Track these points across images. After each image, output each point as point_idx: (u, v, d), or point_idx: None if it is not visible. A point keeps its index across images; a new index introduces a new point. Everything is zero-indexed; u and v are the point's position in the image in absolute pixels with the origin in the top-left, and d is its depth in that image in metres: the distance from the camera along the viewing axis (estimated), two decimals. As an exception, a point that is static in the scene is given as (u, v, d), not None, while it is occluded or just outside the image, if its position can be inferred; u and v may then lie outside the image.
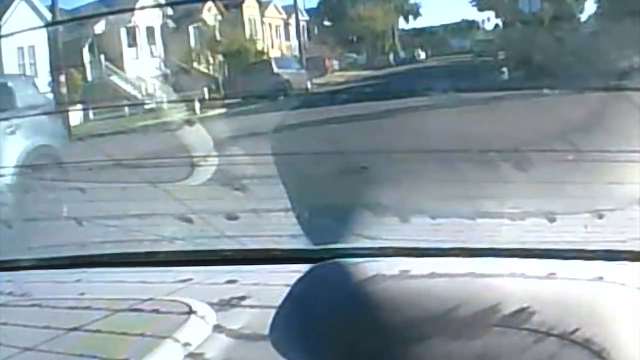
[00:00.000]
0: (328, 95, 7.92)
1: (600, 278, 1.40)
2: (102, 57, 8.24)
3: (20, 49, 7.82)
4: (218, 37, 8.45)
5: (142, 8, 8.22)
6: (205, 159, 3.26)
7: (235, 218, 2.42)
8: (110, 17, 7.99)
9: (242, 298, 1.58)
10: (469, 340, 1.30)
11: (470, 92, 5.40)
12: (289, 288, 1.53)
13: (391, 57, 8.65)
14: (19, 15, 7.46)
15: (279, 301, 1.50)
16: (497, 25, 8.07)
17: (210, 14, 8.44)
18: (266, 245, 2.01)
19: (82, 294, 1.72)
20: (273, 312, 1.48)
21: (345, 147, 4.24)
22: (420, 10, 8.56)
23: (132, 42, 8.36)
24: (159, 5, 8.32)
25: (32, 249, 2.18)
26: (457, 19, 8.28)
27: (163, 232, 2.39)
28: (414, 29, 8.85)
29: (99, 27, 8.15)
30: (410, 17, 8.68)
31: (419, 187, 2.83)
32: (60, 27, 7.46)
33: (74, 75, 7.93)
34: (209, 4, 8.20)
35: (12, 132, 5.50)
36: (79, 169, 3.39)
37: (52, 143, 5.74)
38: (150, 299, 1.60)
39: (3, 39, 7.56)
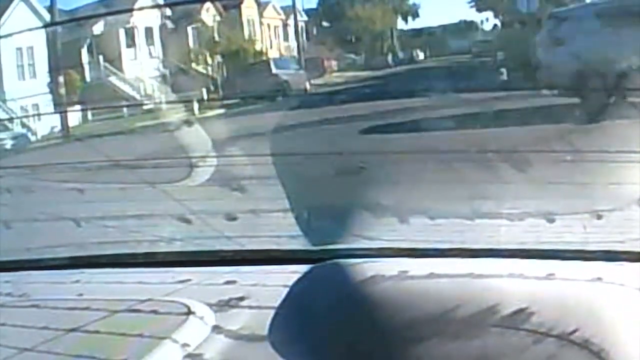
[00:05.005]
0: (327, 95, 7.92)
1: (599, 278, 1.40)
2: (101, 57, 8.23)
3: (19, 49, 7.81)
4: (217, 38, 8.44)
5: (141, 9, 8.21)
6: (204, 159, 3.26)
7: (234, 218, 2.41)
8: (109, 17, 7.98)
9: (241, 299, 1.58)
10: (468, 341, 1.30)
11: (469, 93, 5.40)
12: (288, 289, 1.53)
13: (390, 57, 8.64)
14: (18, 16, 7.44)
15: (278, 302, 1.50)
16: (495, 26, 8.07)
17: (208, 15, 8.43)
18: (265, 246, 2.01)
19: (80, 294, 1.71)
20: (272, 312, 1.47)
21: (343, 147, 4.24)
22: (419, 11, 8.55)
23: (131, 43, 8.35)
24: (158, 6, 8.32)
25: (31, 250, 2.18)
26: (456, 20, 8.28)
27: (162, 233, 2.38)
28: (413, 30, 8.84)
29: (98, 27, 8.14)
30: (409, 18, 8.68)
31: (418, 187, 2.83)
32: (59, 28, 7.45)
33: (72, 76, 7.92)
34: (208, 4, 8.19)
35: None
36: (77, 170, 3.38)
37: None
38: (149, 300, 1.60)
39: (2, 40, 7.56)
